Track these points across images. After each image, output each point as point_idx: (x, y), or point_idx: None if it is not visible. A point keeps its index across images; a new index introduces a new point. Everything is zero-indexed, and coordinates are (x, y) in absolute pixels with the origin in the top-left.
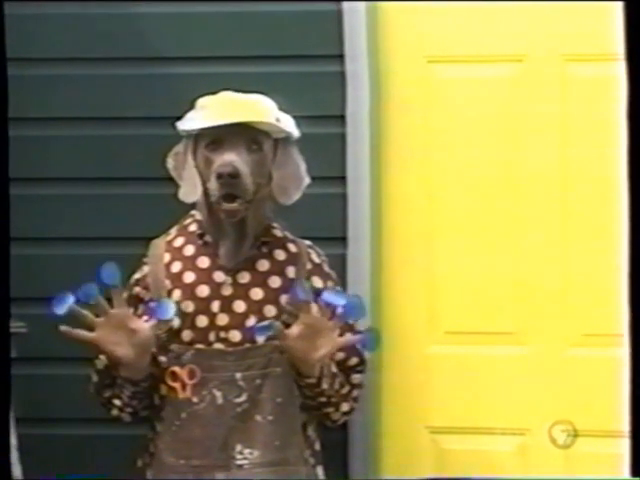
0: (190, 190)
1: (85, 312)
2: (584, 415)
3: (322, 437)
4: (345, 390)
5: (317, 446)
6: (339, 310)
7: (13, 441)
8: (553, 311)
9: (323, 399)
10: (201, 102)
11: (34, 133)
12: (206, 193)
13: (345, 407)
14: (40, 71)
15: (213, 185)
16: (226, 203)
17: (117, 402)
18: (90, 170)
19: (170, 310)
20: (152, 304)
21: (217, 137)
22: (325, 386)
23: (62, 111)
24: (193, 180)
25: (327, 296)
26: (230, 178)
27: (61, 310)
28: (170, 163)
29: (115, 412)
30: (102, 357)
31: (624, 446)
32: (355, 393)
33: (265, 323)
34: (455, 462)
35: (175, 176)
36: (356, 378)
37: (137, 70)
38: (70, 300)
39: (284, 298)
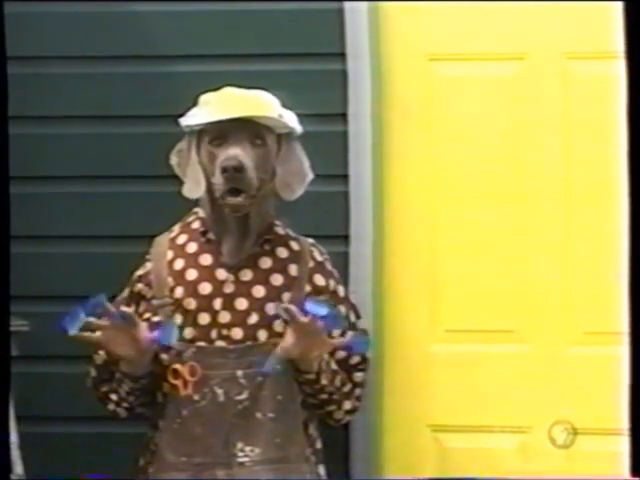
0: (194, 186)
1: (92, 320)
2: (585, 413)
3: (323, 435)
4: (347, 388)
5: (318, 444)
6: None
7: (15, 439)
8: (554, 309)
9: (324, 396)
10: (204, 98)
11: (34, 131)
12: (210, 189)
13: (347, 405)
14: (40, 69)
15: (218, 179)
16: (231, 197)
17: (114, 397)
18: (91, 168)
19: (173, 337)
20: (156, 322)
21: (221, 132)
22: (325, 382)
23: (62, 109)
24: (197, 176)
25: (309, 306)
26: (235, 172)
27: (73, 329)
28: (174, 160)
29: (111, 407)
30: (101, 352)
31: (624, 444)
32: (357, 392)
33: (267, 368)
34: (456, 460)
35: (179, 173)
36: (358, 376)
37: (137, 68)
38: (81, 317)
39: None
